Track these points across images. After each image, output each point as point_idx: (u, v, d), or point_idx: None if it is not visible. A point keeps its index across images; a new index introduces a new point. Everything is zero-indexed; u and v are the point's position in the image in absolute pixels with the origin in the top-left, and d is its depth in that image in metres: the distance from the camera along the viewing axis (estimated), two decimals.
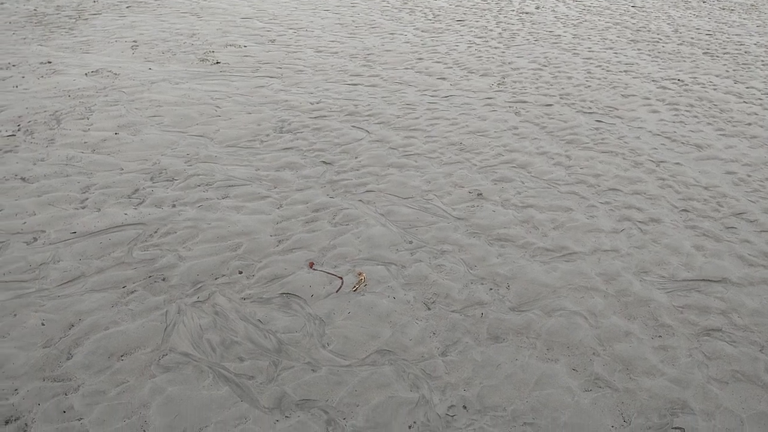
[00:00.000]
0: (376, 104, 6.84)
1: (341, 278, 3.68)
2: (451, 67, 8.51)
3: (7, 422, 2.56)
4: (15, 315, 3.19)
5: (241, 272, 3.70)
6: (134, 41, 8.83)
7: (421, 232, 4.24)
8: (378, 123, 6.29)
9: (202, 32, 9.64)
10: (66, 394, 2.71)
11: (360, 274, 3.72)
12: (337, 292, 3.55)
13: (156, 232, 4.05)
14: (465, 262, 3.90)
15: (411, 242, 4.10)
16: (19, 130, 5.50)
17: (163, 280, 3.57)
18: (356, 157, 5.42)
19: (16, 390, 2.73)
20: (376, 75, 7.97)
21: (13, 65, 7.45)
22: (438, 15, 12.31)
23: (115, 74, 7.24)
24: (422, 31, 10.74)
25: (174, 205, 4.40)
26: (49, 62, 7.60)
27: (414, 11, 12.65)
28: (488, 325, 3.32)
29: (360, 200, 4.65)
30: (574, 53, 9.37)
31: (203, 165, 5.07)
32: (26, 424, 2.55)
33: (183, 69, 7.66)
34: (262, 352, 3.05)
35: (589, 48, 9.70)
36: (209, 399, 2.73)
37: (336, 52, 8.99)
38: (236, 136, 5.73)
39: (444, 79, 7.98)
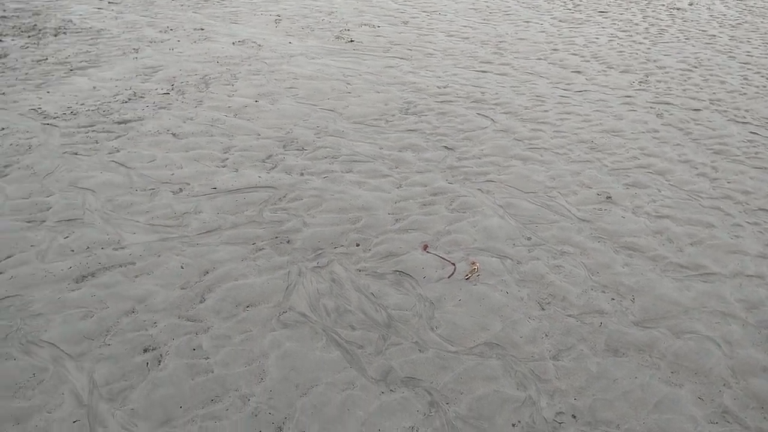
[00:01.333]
0: (504, 93, 6.67)
1: (454, 265, 3.67)
2: (588, 61, 8.06)
3: (145, 350, 2.86)
4: (159, 256, 3.54)
5: (358, 245, 3.82)
6: (278, 15, 9.32)
7: (541, 229, 4.10)
8: (504, 112, 6.13)
9: (339, 11, 9.94)
10: (197, 334, 2.98)
11: (473, 263, 3.69)
12: (449, 277, 3.55)
13: (285, 196, 4.28)
14: (586, 267, 3.72)
15: (529, 238, 3.98)
16: (172, 89, 6.05)
17: (288, 242, 3.77)
18: (479, 145, 5.34)
19: (155, 323, 3.04)
20: (506, 63, 7.76)
21: (171, 29, 8.17)
22: (578, 5, 11.68)
23: (259, 45, 7.70)
24: (560, 21, 10.25)
25: (302, 174, 4.62)
26: (202, 29, 8.25)
27: None
28: (607, 336, 3.15)
29: (479, 189, 4.59)
30: (730, 56, 8.47)
31: (331, 138, 5.26)
32: (161, 355, 2.84)
33: (319, 45, 7.96)
34: (372, 324, 3.14)
35: (748, 52, 8.71)
36: (321, 360, 2.86)
37: (467, 38, 8.87)
38: (364, 113, 5.87)
39: (579, 72, 7.59)
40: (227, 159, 4.74)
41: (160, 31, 8.00)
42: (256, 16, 9.20)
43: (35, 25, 7.99)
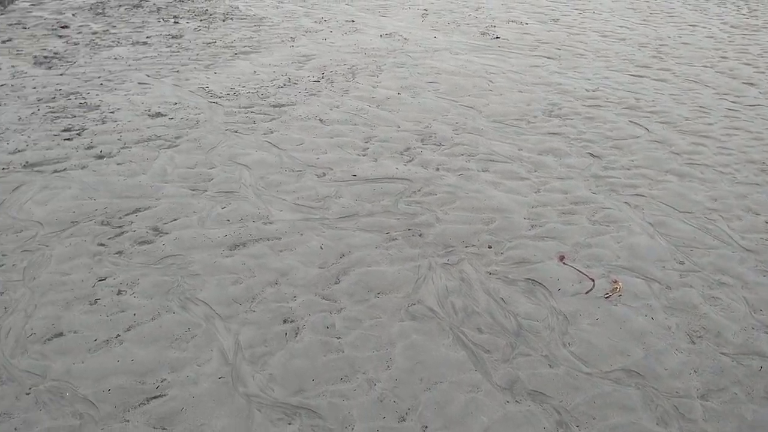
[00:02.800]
0: (661, 101, 6.14)
1: (593, 280, 3.46)
2: (763, 72, 7.17)
3: (284, 321, 3.05)
4: (302, 234, 3.75)
5: (490, 247, 3.74)
6: (425, 10, 9.40)
7: (697, 254, 3.73)
8: (661, 122, 5.65)
9: (487, 6, 9.78)
10: (331, 313, 3.12)
11: (616, 281, 3.45)
12: (586, 293, 3.36)
13: (419, 190, 4.32)
14: (748, 302, 3.31)
15: (682, 263, 3.64)
16: (323, 78, 6.35)
17: (420, 235, 3.80)
18: (629, 155, 4.97)
19: (294, 297, 3.22)
20: (666, 69, 7.13)
21: (325, 20, 8.58)
22: (755, 10, 10.41)
23: (405, 39, 7.83)
24: (731, 27, 9.22)
25: (438, 169, 4.62)
26: (353, 21, 8.56)
27: (725, 2, 10.91)
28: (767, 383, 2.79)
29: (626, 203, 4.28)
30: None
31: (469, 136, 5.21)
32: (298, 328, 3.01)
33: (464, 41, 7.91)
34: (500, 330, 3.06)
35: None
36: (447, 358, 2.86)
37: (623, 39, 8.29)
38: (504, 112, 5.73)
39: (752, 84, 6.77)
40: (368, 148, 4.89)
41: (315, 22, 8.44)
42: (404, 9, 9.36)
43: (207, 10, 8.82)
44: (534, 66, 7.05)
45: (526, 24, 8.84)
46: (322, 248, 3.62)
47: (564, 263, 3.61)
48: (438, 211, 4.07)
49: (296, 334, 2.96)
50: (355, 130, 5.19)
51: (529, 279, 3.45)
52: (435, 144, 5.03)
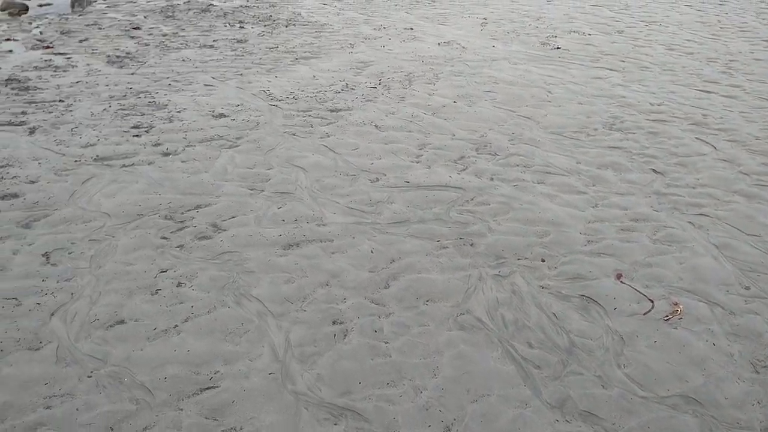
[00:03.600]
0: (730, 118, 5.87)
1: (652, 301, 3.33)
2: None
3: (334, 322, 3.09)
4: (353, 237, 3.79)
5: (543, 260, 3.67)
6: (484, 18, 9.34)
7: (764, 280, 3.53)
8: (729, 140, 5.40)
9: (548, 16, 9.63)
10: (379, 317, 3.13)
11: (676, 304, 3.31)
12: (644, 314, 3.24)
13: (472, 199, 4.28)
14: None
15: (748, 288, 3.45)
16: (379, 84, 6.41)
17: (471, 245, 3.77)
18: (694, 173, 4.77)
19: (344, 299, 3.26)
20: (737, 85, 6.81)
21: (384, 28, 8.67)
22: None
23: (463, 47, 7.81)
24: None
25: (492, 179, 4.58)
26: (411, 29, 8.61)
27: None
28: None
29: (690, 222, 4.10)
30: None
31: (525, 146, 5.13)
32: (346, 330, 3.04)
33: (523, 50, 7.81)
34: (552, 346, 2.99)
35: None
36: (495, 371, 2.81)
37: (691, 53, 7.98)
38: (562, 124, 5.62)
39: None
40: (422, 155, 4.89)
41: (374, 29, 8.54)
42: (463, 18, 9.34)
43: (271, 15, 9.08)
44: (596, 78, 6.88)
45: (589, 35, 8.65)
46: (372, 252, 3.65)
47: (621, 282, 3.49)
48: (491, 221, 4.03)
49: (345, 336, 2.99)
50: (409, 136, 5.21)
51: (584, 296, 3.36)
52: (490, 153, 4.98)
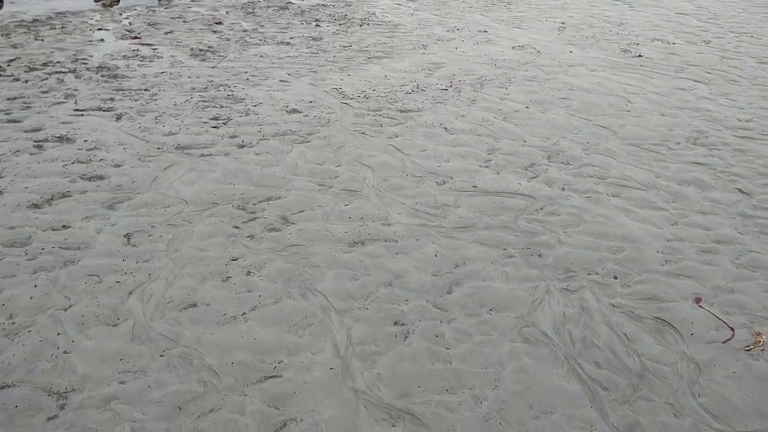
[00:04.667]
0: None
1: (732, 329, 3.12)
2: None
3: (395, 323, 3.08)
4: (417, 239, 3.77)
5: (616, 278, 3.52)
6: (562, 23, 9.08)
7: None
8: None
9: (630, 23, 9.25)
10: (441, 322, 3.10)
11: (759, 334, 3.09)
12: (723, 343, 3.04)
13: (542, 208, 4.17)
14: None
15: None
16: (450, 86, 6.36)
17: (539, 256, 3.67)
18: None
19: (407, 300, 3.25)
20: None
21: (457, 29, 8.59)
22: None
23: (538, 52, 7.62)
24: None
25: (563, 189, 4.44)
26: (485, 31, 8.49)
27: None
28: None
29: None
30: None
31: (600, 157, 4.94)
32: (407, 332, 3.03)
33: (602, 57, 7.53)
34: (622, 368, 2.86)
35: None
36: (560, 388, 2.72)
37: None
38: (642, 135, 5.37)
39: None
40: (490, 160, 4.81)
41: (448, 30, 8.48)
42: (540, 22, 9.11)
43: (346, 15, 9.20)
44: (679, 89, 6.54)
45: (673, 44, 8.23)
46: (436, 256, 3.62)
47: (700, 306, 3.30)
48: (560, 232, 3.91)
49: (405, 337, 2.98)
50: (479, 140, 5.13)
51: (659, 318, 3.19)
52: (562, 162, 4.83)
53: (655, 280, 3.49)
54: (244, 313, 3.06)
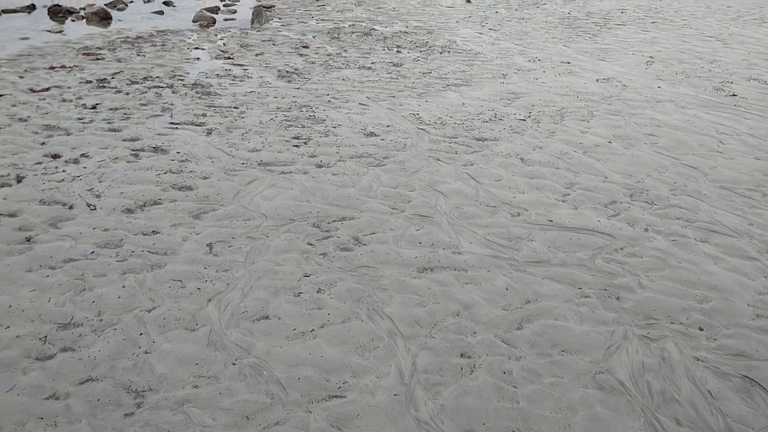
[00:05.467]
0: None
1: None
2: None
3: (461, 355, 3.03)
4: (488, 271, 3.71)
5: (702, 329, 3.29)
6: (650, 57, 8.78)
7: None
8: None
9: (724, 60, 8.80)
10: (509, 359, 3.02)
11: None
12: None
13: (622, 249, 4.00)
14: None
15: None
16: (529, 117, 6.28)
17: (617, 299, 3.51)
18: None
19: (474, 333, 3.19)
20: None
21: (539, 60, 8.50)
22: None
23: (624, 85, 7.39)
24: None
25: (646, 230, 4.24)
26: (568, 63, 8.35)
27: None
28: None
29: None
30: None
31: (688, 199, 4.69)
32: (474, 365, 2.96)
33: (693, 94, 7.20)
34: (703, 427, 2.66)
35: None
36: None
37: None
38: (734, 179, 5.06)
39: None
40: (568, 195, 4.68)
41: (529, 61, 8.41)
42: (626, 55, 8.85)
43: (427, 42, 9.34)
44: None
45: None
46: (507, 289, 3.54)
47: None
48: (642, 276, 3.72)
49: (472, 371, 2.92)
50: (556, 173, 5.01)
51: (747, 377, 2.96)
52: (646, 202, 4.62)
53: (745, 336, 3.24)
54: (313, 330, 3.12)
